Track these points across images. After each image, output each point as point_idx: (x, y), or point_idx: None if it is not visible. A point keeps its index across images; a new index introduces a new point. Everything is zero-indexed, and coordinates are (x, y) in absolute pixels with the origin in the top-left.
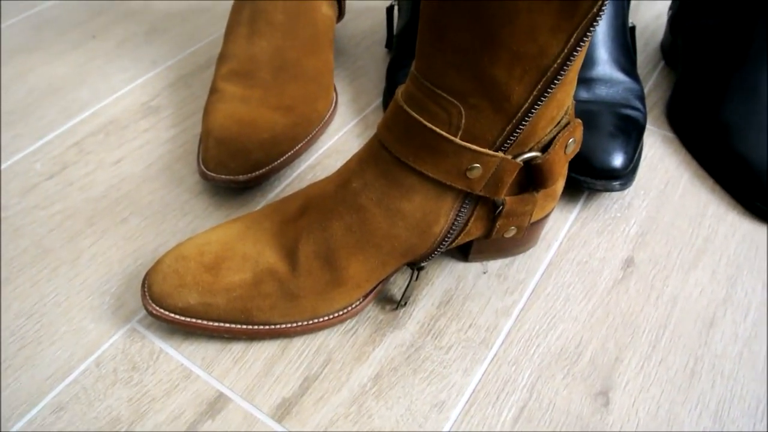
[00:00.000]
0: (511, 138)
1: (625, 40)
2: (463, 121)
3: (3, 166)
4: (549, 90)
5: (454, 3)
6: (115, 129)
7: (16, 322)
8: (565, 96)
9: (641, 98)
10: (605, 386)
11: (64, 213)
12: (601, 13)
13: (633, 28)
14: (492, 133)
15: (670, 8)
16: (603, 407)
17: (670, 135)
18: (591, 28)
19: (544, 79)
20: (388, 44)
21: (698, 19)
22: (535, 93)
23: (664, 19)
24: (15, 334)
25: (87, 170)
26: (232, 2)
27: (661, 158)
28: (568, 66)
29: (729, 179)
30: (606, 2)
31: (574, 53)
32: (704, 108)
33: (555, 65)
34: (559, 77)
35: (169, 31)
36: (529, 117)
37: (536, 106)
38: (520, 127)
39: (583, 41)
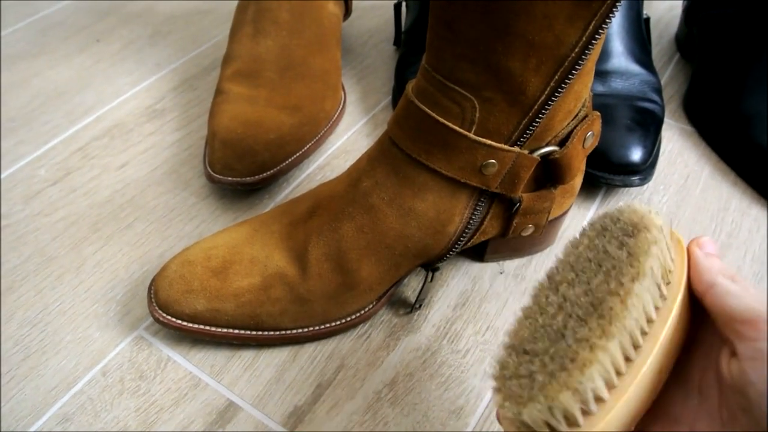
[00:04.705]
0: (528, 132)
1: (640, 31)
2: (477, 115)
3: (6, 173)
4: (566, 81)
5: None
6: (119, 133)
7: (20, 331)
8: (582, 87)
9: (658, 90)
10: None
11: (68, 219)
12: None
13: (647, 20)
14: (507, 128)
15: None
16: None
17: (689, 128)
18: (610, 15)
19: (561, 69)
20: (396, 42)
21: (714, 8)
22: (552, 84)
23: (677, 11)
24: (19, 344)
25: (91, 175)
26: (236, 3)
27: (680, 152)
28: (586, 56)
29: (751, 172)
30: None
31: (593, 42)
32: (724, 99)
33: (572, 55)
34: (576, 67)
35: (173, 34)
36: (545, 110)
37: (553, 99)
38: (537, 120)
39: (602, 29)
